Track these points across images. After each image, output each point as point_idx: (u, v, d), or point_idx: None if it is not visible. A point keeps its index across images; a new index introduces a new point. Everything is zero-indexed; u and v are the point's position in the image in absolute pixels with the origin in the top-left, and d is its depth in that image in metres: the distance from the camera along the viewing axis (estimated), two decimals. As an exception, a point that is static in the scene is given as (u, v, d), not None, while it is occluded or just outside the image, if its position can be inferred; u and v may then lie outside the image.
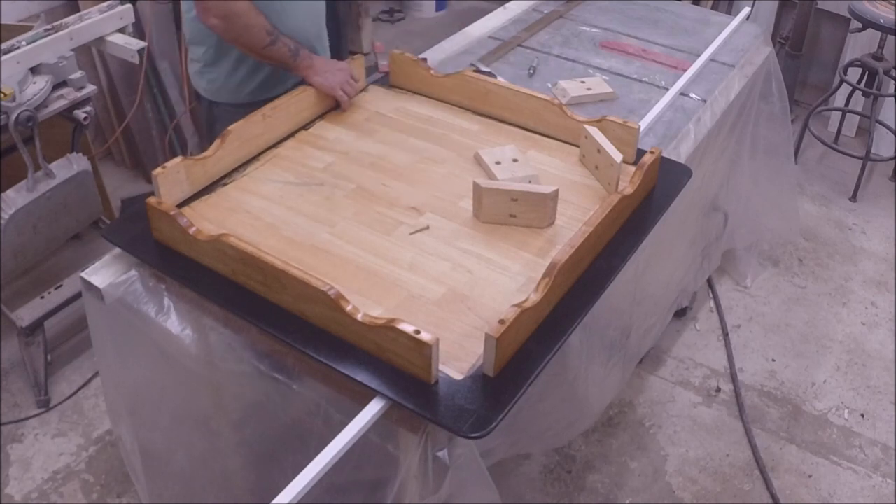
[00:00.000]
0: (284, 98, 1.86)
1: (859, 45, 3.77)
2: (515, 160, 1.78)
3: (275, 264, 1.38)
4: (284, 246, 1.57)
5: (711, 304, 2.99)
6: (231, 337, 1.48)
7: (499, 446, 1.51)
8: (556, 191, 1.62)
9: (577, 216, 1.67)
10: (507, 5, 2.73)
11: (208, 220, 1.62)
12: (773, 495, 2.34)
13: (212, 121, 2.13)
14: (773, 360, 2.79)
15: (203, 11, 1.84)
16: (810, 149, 3.89)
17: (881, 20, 3.28)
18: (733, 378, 2.70)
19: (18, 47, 2.32)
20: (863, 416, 2.61)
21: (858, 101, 3.79)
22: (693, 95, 2.22)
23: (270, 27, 1.86)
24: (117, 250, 1.59)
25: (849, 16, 3.47)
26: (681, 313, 2.88)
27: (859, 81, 3.52)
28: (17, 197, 2.38)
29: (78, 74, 2.44)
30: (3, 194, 2.36)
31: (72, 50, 2.46)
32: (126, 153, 3.53)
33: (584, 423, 2.07)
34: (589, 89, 2.16)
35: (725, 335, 2.86)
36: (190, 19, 1.99)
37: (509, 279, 1.52)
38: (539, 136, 1.93)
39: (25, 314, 2.50)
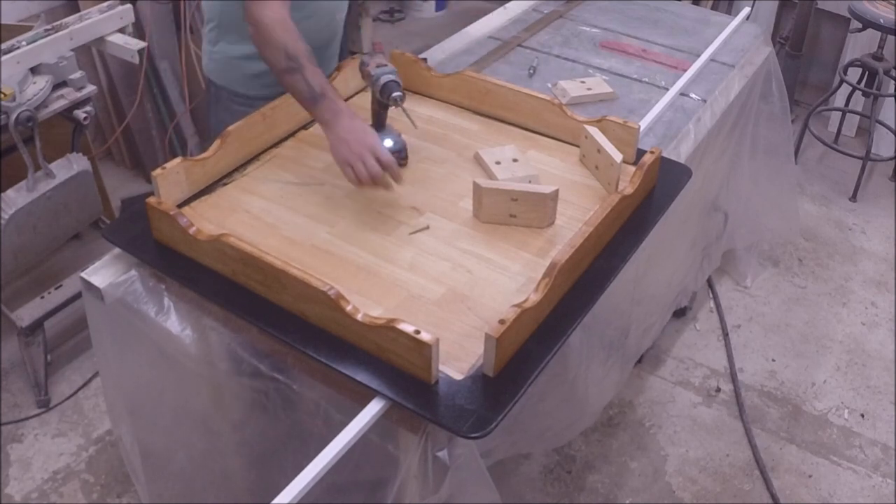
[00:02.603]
0: (284, 98, 1.86)
1: (859, 45, 3.77)
2: (515, 160, 1.78)
3: (275, 264, 1.38)
4: (284, 246, 1.57)
5: (711, 304, 2.99)
6: (231, 337, 1.48)
7: (499, 446, 1.51)
8: (556, 191, 1.62)
9: (577, 216, 1.67)
10: (507, 5, 2.73)
11: (208, 220, 1.62)
12: (773, 495, 2.34)
13: (214, 106, 2.07)
14: (773, 360, 2.79)
15: (245, 10, 1.66)
16: (810, 149, 3.89)
17: (881, 20, 3.28)
18: (733, 378, 2.70)
19: (18, 47, 2.32)
20: (863, 416, 2.61)
21: (858, 101, 3.79)
22: (693, 95, 2.22)
23: (294, 53, 1.60)
24: (117, 250, 1.59)
25: (849, 16, 3.47)
26: (680, 313, 2.88)
27: (859, 81, 3.52)
28: (17, 197, 2.38)
29: (78, 74, 2.44)
30: (3, 194, 2.36)
31: (72, 50, 2.46)
32: (126, 153, 3.53)
33: (583, 423, 2.06)
34: (589, 89, 2.16)
35: (725, 335, 2.86)
36: None
37: (509, 279, 1.52)
38: (539, 136, 1.93)
39: (25, 314, 2.50)
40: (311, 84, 1.60)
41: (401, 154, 1.78)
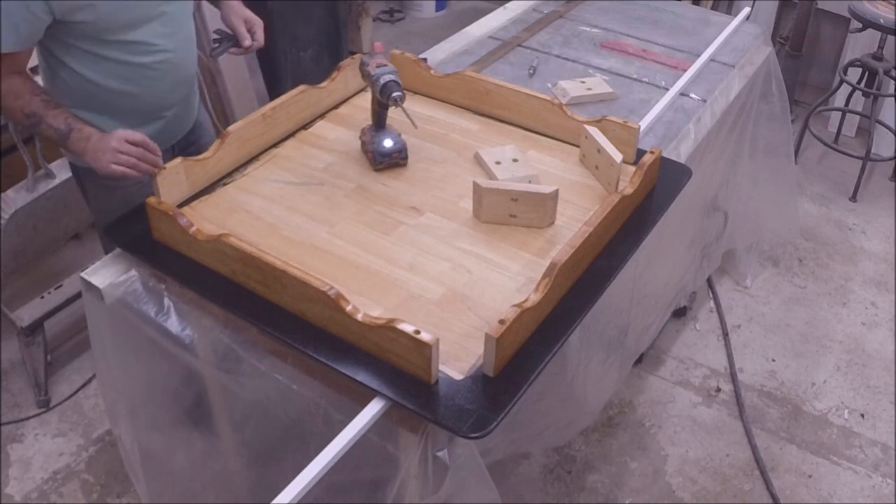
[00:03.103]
0: (284, 98, 1.86)
1: (859, 45, 3.77)
2: (515, 160, 1.78)
3: (275, 264, 1.38)
4: (284, 246, 1.57)
5: (711, 304, 2.99)
6: (231, 337, 1.48)
7: (497, 445, 1.51)
8: (556, 191, 1.62)
9: (577, 216, 1.67)
10: (507, 5, 2.73)
11: (208, 220, 1.62)
12: (773, 495, 2.34)
13: (88, 193, 1.97)
14: (773, 360, 2.79)
15: None
16: (810, 149, 3.89)
17: (881, 20, 3.28)
18: (733, 378, 2.70)
19: (18, 47, 2.32)
20: (863, 416, 2.61)
21: (858, 101, 3.79)
22: (693, 95, 2.22)
23: (30, 111, 1.64)
24: (117, 250, 1.59)
25: (849, 16, 3.47)
26: (680, 313, 2.88)
27: (859, 81, 3.52)
28: (17, 197, 2.38)
29: (78, 74, 2.44)
30: (3, 194, 2.36)
31: (72, 50, 2.45)
32: (126, 153, 3.53)
33: (582, 422, 2.07)
34: (589, 89, 2.16)
35: (725, 335, 2.86)
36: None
37: (509, 279, 1.52)
38: (539, 136, 1.93)
39: (25, 314, 2.51)
40: (55, 126, 1.65)
41: (401, 154, 1.78)
